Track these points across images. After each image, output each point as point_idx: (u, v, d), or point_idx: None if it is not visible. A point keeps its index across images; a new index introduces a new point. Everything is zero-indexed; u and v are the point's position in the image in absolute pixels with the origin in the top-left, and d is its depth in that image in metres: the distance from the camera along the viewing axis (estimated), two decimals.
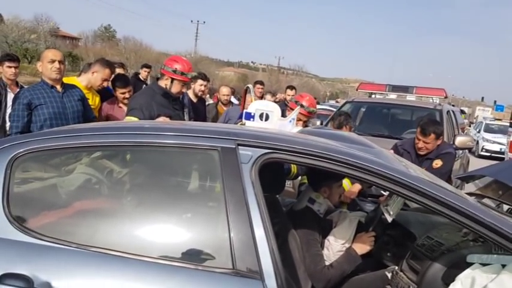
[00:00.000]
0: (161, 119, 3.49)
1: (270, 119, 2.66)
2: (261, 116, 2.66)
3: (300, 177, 4.45)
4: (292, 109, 4.08)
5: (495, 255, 2.08)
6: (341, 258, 2.54)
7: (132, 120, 3.47)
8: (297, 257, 2.52)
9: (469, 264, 2.05)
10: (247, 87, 3.81)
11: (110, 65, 4.10)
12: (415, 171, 2.07)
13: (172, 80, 3.73)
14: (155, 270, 1.59)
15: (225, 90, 6.40)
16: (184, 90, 4.05)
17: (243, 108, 3.54)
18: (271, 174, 2.74)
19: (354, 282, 2.60)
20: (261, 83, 7.57)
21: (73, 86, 3.72)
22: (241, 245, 1.60)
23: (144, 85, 7.68)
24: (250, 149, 1.76)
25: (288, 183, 5.42)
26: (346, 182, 3.81)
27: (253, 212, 1.65)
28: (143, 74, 8.57)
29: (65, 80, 3.80)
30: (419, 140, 3.88)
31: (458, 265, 2.10)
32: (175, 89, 3.76)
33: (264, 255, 1.60)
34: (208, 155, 1.77)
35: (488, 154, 17.24)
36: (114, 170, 1.92)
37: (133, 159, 1.94)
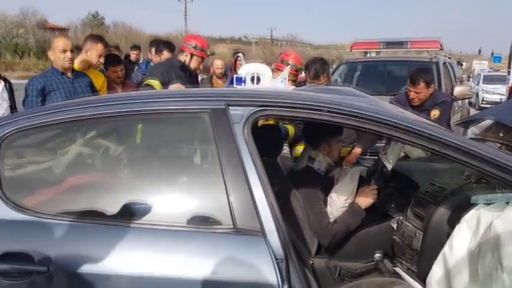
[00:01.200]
0: (176, 85, 3.55)
1: (261, 82, 2.62)
2: (252, 79, 2.60)
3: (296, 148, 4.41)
4: (280, 70, 4.00)
5: (499, 194, 2.06)
6: (345, 213, 2.53)
7: (152, 83, 3.65)
8: (301, 217, 2.52)
9: (474, 206, 2.04)
10: (238, 55, 3.76)
11: (100, 39, 4.02)
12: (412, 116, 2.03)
13: (192, 56, 3.94)
14: (155, 235, 1.58)
15: (218, 63, 6.32)
16: (201, 67, 4.18)
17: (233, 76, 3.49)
18: (268, 137, 2.72)
19: (359, 236, 2.60)
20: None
21: (82, 73, 3.77)
22: (240, 204, 1.59)
23: (136, 66, 7.60)
24: (241, 108, 1.71)
25: (287, 151, 5.41)
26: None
27: (249, 171, 1.62)
28: (133, 56, 8.45)
29: None
30: (410, 91, 3.84)
31: (463, 207, 2.08)
32: (194, 64, 3.97)
33: (263, 212, 1.58)
34: (199, 118, 1.73)
35: (488, 106, 17.12)
36: (107, 144, 1.89)
37: (123, 129, 1.90)
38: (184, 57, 3.95)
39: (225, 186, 1.60)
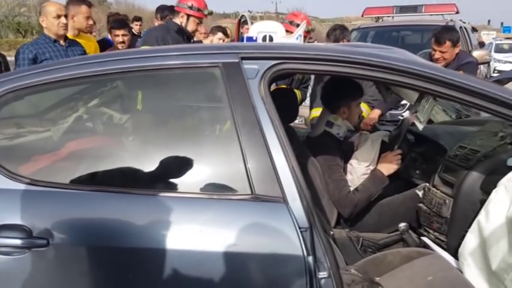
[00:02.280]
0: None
1: (274, 41, 2.42)
2: (264, 39, 2.41)
3: (310, 113, 4.23)
4: (288, 31, 3.78)
5: None
6: (366, 181, 2.36)
7: None
8: (319, 186, 2.35)
9: (511, 169, 1.86)
10: (242, 15, 3.50)
11: (83, 0, 3.79)
12: None
13: (188, 17, 3.69)
14: (166, 204, 1.42)
15: (220, 35, 6.09)
16: (199, 28, 3.98)
17: (237, 40, 3.28)
18: (283, 102, 2.53)
19: (382, 205, 2.44)
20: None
21: (75, 41, 3.58)
22: (258, 168, 1.42)
23: (139, 39, 7.37)
24: (256, 62, 1.53)
25: (299, 120, 5.23)
26: (365, 109, 3.59)
27: (267, 132, 1.45)
28: (135, 28, 8.18)
29: None
30: (435, 50, 3.60)
31: (498, 171, 1.90)
32: (191, 26, 3.72)
33: (284, 177, 1.41)
34: (209, 74, 1.55)
35: None
36: (108, 106, 1.72)
37: (125, 87, 1.72)
38: (180, 19, 3.70)
39: (240, 149, 1.43)
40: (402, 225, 2.28)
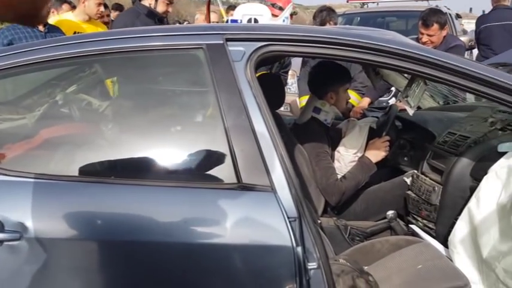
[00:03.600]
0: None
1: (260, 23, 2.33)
2: (249, 22, 2.32)
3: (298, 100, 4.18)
4: (273, 15, 3.70)
5: None
6: (354, 168, 2.31)
7: None
8: (306, 173, 2.29)
9: (501, 155, 1.82)
10: None
11: None
12: None
13: None
14: (147, 194, 1.35)
15: (199, 18, 5.97)
16: (170, 9, 3.83)
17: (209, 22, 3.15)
18: (269, 87, 2.46)
19: (370, 192, 2.40)
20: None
21: (55, 27, 3.43)
22: (245, 156, 1.35)
23: None
24: (242, 44, 1.45)
25: (285, 107, 5.16)
26: (354, 97, 3.54)
27: (254, 117, 1.38)
28: (114, 16, 7.96)
29: (59, 19, 3.61)
30: (422, 34, 3.54)
31: (489, 157, 1.87)
32: (160, 8, 3.64)
33: (272, 165, 1.34)
34: (192, 56, 1.46)
35: None
36: (85, 92, 1.62)
37: (103, 70, 1.62)
38: (149, 1, 3.59)
39: (226, 136, 1.36)
40: (390, 213, 2.24)
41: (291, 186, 1.34)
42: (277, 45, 1.47)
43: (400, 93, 2.15)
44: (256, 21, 2.32)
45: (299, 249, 1.28)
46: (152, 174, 1.42)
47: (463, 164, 1.96)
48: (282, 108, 5.38)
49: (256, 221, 1.31)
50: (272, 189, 1.32)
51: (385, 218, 2.29)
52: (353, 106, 3.46)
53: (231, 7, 5.85)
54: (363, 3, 7.09)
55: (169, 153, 1.45)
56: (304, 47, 1.47)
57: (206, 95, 1.45)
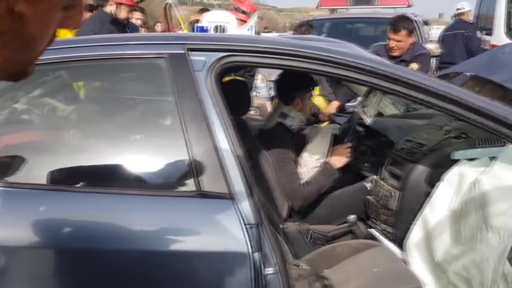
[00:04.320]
0: None
1: (227, 32, 2.38)
2: (216, 29, 2.36)
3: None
4: (241, 20, 3.75)
5: (480, 149, 1.95)
6: (317, 173, 2.37)
7: None
8: (271, 179, 2.34)
9: (454, 162, 1.91)
10: (168, 2, 3.36)
11: None
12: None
13: (118, 5, 3.66)
14: (105, 201, 1.36)
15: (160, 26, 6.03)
16: (131, 15, 3.95)
17: (169, 30, 3.17)
18: (234, 93, 2.49)
19: (333, 197, 2.46)
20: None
21: None
22: (204, 163, 1.38)
23: None
24: (203, 54, 1.48)
25: (255, 111, 5.21)
26: (321, 102, 3.62)
27: (214, 125, 1.41)
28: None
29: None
30: (390, 39, 3.66)
31: (443, 164, 1.96)
32: (122, 14, 3.71)
33: (232, 173, 1.38)
34: (154, 65, 1.49)
35: None
36: (47, 97, 1.62)
37: (67, 78, 1.63)
38: (110, 8, 3.65)
39: (186, 144, 1.38)
40: (351, 217, 2.31)
41: (250, 193, 1.38)
42: (239, 55, 1.50)
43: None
44: (223, 28, 2.36)
45: (256, 255, 1.32)
46: (111, 182, 1.43)
47: (419, 171, 2.04)
48: (251, 112, 5.43)
49: (214, 228, 1.35)
50: (231, 196, 1.36)
51: (347, 222, 2.36)
52: (320, 110, 3.54)
53: (204, 9, 5.85)
54: (333, 8, 7.22)
55: (129, 161, 1.46)
56: (265, 58, 1.52)
57: (167, 104, 1.47)
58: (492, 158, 1.76)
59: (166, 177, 1.44)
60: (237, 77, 3.38)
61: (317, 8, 7.65)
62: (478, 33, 6.03)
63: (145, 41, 1.54)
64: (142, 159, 1.48)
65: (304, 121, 2.55)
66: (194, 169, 1.37)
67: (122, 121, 1.54)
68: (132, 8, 3.84)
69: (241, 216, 1.33)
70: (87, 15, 5.14)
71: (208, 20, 2.32)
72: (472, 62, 2.98)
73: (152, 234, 1.36)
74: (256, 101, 5.21)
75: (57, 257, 1.37)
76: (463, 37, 5.87)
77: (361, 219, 2.45)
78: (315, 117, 3.47)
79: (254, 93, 5.20)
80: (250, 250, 1.30)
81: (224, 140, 1.40)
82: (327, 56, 1.47)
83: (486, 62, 2.73)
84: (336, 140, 2.49)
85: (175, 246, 1.33)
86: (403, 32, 3.61)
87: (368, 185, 2.37)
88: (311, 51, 1.48)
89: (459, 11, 6.25)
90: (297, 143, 2.51)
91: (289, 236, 2.19)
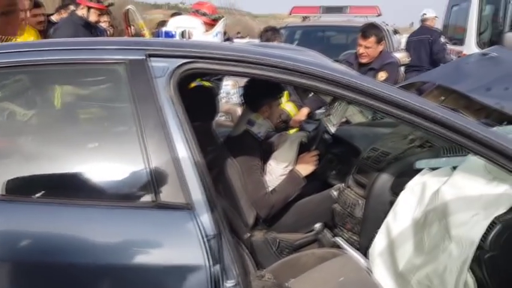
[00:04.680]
0: None
1: (193, 37, 2.34)
2: (182, 34, 2.33)
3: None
4: (208, 24, 3.74)
5: (443, 159, 1.96)
6: (284, 182, 2.36)
7: None
8: (238, 186, 2.31)
9: (418, 171, 1.93)
10: (128, 8, 3.34)
11: None
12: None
13: (89, 8, 3.79)
14: (56, 213, 1.30)
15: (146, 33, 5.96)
16: (101, 19, 4.04)
17: (128, 34, 3.15)
18: (201, 99, 2.46)
19: (299, 205, 2.45)
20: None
21: None
22: (163, 173, 1.34)
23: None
24: (164, 60, 1.44)
25: (226, 117, 5.17)
26: (292, 108, 3.62)
27: (174, 135, 1.36)
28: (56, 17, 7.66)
29: None
30: (360, 45, 3.72)
31: (407, 173, 1.97)
32: (92, 17, 3.84)
33: (191, 183, 1.34)
34: (113, 71, 1.44)
35: None
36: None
37: (22, 83, 1.56)
38: (81, 11, 3.75)
39: (144, 153, 1.34)
40: (317, 225, 2.30)
41: (210, 204, 1.34)
42: (201, 62, 1.47)
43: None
44: (189, 33, 2.33)
45: (217, 267, 1.29)
46: (66, 192, 1.37)
47: (384, 179, 2.04)
48: (222, 118, 5.39)
49: (172, 240, 1.30)
50: (190, 207, 1.32)
51: (313, 230, 2.35)
52: (291, 117, 3.54)
53: (176, 14, 5.80)
54: (305, 16, 7.28)
55: (86, 170, 1.41)
56: (228, 66, 1.48)
57: (125, 111, 1.42)
58: (455, 168, 1.78)
59: (123, 188, 1.39)
60: (204, 82, 3.35)
61: (289, 14, 7.70)
62: (442, 39, 6.23)
63: (105, 46, 1.49)
64: (99, 168, 1.42)
65: (272, 128, 2.54)
66: (152, 179, 1.33)
67: (79, 128, 1.49)
68: (103, 12, 3.93)
69: (200, 228, 1.29)
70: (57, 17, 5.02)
71: (174, 25, 2.28)
72: (437, 71, 3.03)
73: (108, 246, 1.31)
74: (227, 107, 5.18)
75: (11, 270, 1.30)
76: (429, 43, 6.07)
77: (328, 227, 2.45)
78: (285, 124, 3.48)
79: (225, 99, 5.17)
80: (209, 263, 1.27)
81: (184, 149, 1.36)
82: (291, 64, 1.45)
83: (451, 72, 2.78)
84: (303, 148, 2.48)
85: (131, 260, 1.28)
86: (372, 39, 3.67)
87: (335, 193, 2.37)
88: (275, 60, 1.46)
89: (424, 17, 6.43)
90: (264, 150, 2.50)
91: (254, 245, 2.16)
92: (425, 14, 6.41)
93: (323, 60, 1.74)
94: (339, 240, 2.23)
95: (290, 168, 2.41)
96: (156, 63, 1.43)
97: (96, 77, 1.50)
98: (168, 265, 1.28)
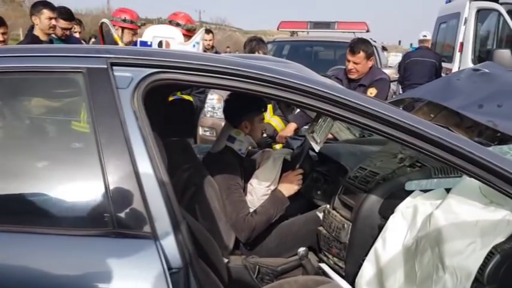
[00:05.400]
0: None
1: (171, 47, 2.19)
2: (159, 44, 2.18)
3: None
4: (187, 35, 3.61)
5: (435, 180, 1.84)
6: (266, 202, 2.20)
7: None
8: (216, 207, 2.15)
9: (409, 193, 1.79)
10: (102, 22, 3.17)
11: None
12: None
13: (123, 29, 3.98)
14: (8, 240, 1.14)
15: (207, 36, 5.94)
16: (135, 39, 4.03)
17: None
18: (179, 114, 2.31)
19: (282, 227, 2.30)
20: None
21: None
22: (123, 197, 1.18)
23: None
24: (129, 69, 1.29)
25: (210, 132, 5.02)
26: (278, 123, 3.48)
27: (137, 153, 1.21)
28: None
29: None
30: (349, 61, 3.59)
31: (397, 195, 1.83)
32: (126, 38, 3.99)
33: (156, 208, 1.18)
34: (70, 80, 1.29)
35: None
36: None
37: None
38: (116, 32, 3.79)
39: (102, 174, 1.18)
40: (301, 250, 2.14)
41: (176, 232, 1.19)
42: (170, 72, 1.32)
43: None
44: (167, 43, 2.18)
45: None
46: (15, 218, 1.21)
47: (372, 202, 1.91)
48: (207, 134, 5.22)
49: (132, 273, 1.14)
50: (154, 236, 1.16)
51: (297, 254, 2.19)
52: (277, 132, 3.40)
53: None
54: (293, 31, 7.22)
55: (37, 193, 1.24)
56: (199, 77, 1.34)
57: (82, 125, 1.27)
58: (448, 190, 1.65)
59: (79, 213, 1.23)
60: (184, 96, 3.20)
61: (278, 29, 7.62)
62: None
63: (62, 53, 1.33)
64: (51, 190, 1.26)
65: (254, 145, 2.39)
66: (111, 204, 1.17)
67: (30, 145, 1.32)
68: (135, 32, 4.07)
69: (164, 259, 1.14)
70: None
71: (152, 34, 2.12)
72: (427, 87, 2.93)
73: (62, 279, 1.15)
74: (211, 121, 5.04)
75: None
76: (436, 68, 6.11)
77: (313, 251, 2.29)
78: (272, 139, 3.33)
79: (210, 114, 5.03)
80: None
81: (148, 169, 1.21)
82: (270, 76, 1.32)
83: (442, 88, 2.67)
84: (288, 166, 2.34)
85: None
86: (361, 54, 3.55)
87: (320, 215, 2.23)
88: (251, 71, 1.32)
89: (425, 38, 6.45)
90: (246, 168, 2.35)
91: (233, 272, 1.99)
92: (425, 35, 6.47)
93: (308, 73, 1.60)
94: (324, 266, 2.07)
95: (273, 187, 2.26)
96: (120, 73, 1.28)
97: (50, 87, 1.34)
98: None
